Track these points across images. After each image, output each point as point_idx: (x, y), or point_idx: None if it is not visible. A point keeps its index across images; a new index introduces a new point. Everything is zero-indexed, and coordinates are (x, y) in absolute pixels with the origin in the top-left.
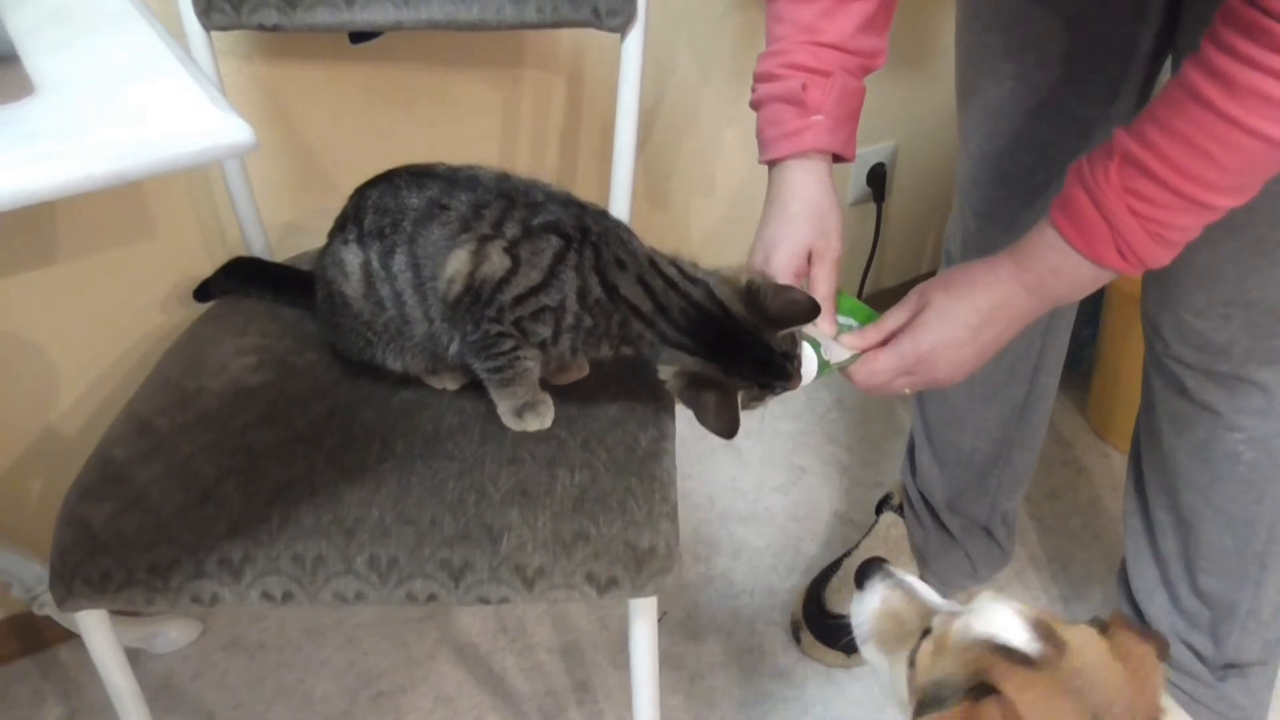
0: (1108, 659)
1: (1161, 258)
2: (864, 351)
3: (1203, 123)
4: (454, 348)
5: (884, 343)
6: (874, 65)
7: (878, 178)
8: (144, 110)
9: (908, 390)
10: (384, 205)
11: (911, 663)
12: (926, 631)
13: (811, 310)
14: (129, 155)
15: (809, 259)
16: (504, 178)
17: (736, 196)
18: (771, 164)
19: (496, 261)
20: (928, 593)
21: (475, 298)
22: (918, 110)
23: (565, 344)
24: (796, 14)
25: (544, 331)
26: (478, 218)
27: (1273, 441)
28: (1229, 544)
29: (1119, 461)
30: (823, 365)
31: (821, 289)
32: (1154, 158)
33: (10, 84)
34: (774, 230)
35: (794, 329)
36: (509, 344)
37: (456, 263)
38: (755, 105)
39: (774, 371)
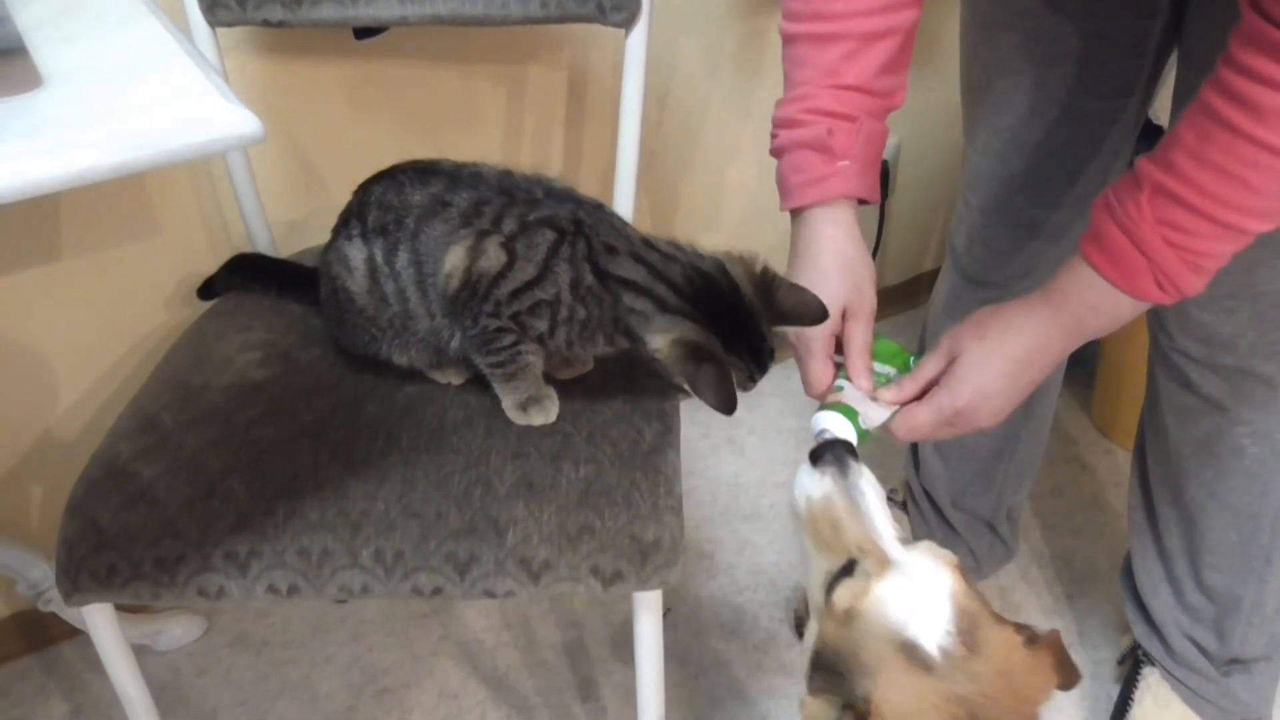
0: (1013, 668)
1: (1198, 285)
2: (902, 405)
3: (1233, 149)
4: (456, 342)
5: (921, 394)
6: (894, 105)
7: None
8: (151, 103)
9: (950, 436)
10: (387, 202)
11: (829, 590)
12: (853, 562)
13: (820, 313)
14: (136, 147)
15: (843, 316)
16: (506, 174)
17: (740, 224)
18: (795, 211)
19: (493, 256)
20: (875, 514)
21: (473, 293)
22: (921, 107)
23: (561, 337)
24: (818, 58)
25: (541, 325)
26: (478, 214)
27: (1277, 435)
28: (1234, 539)
29: (1123, 459)
30: (862, 435)
31: (856, 343)
32: (1186, 187)
33: (18, 76)
34: (806, 285)
35: (832, 399)
36: (509, 339)
37: (454, 258)
38: (777, 152)
39: (760, 365)
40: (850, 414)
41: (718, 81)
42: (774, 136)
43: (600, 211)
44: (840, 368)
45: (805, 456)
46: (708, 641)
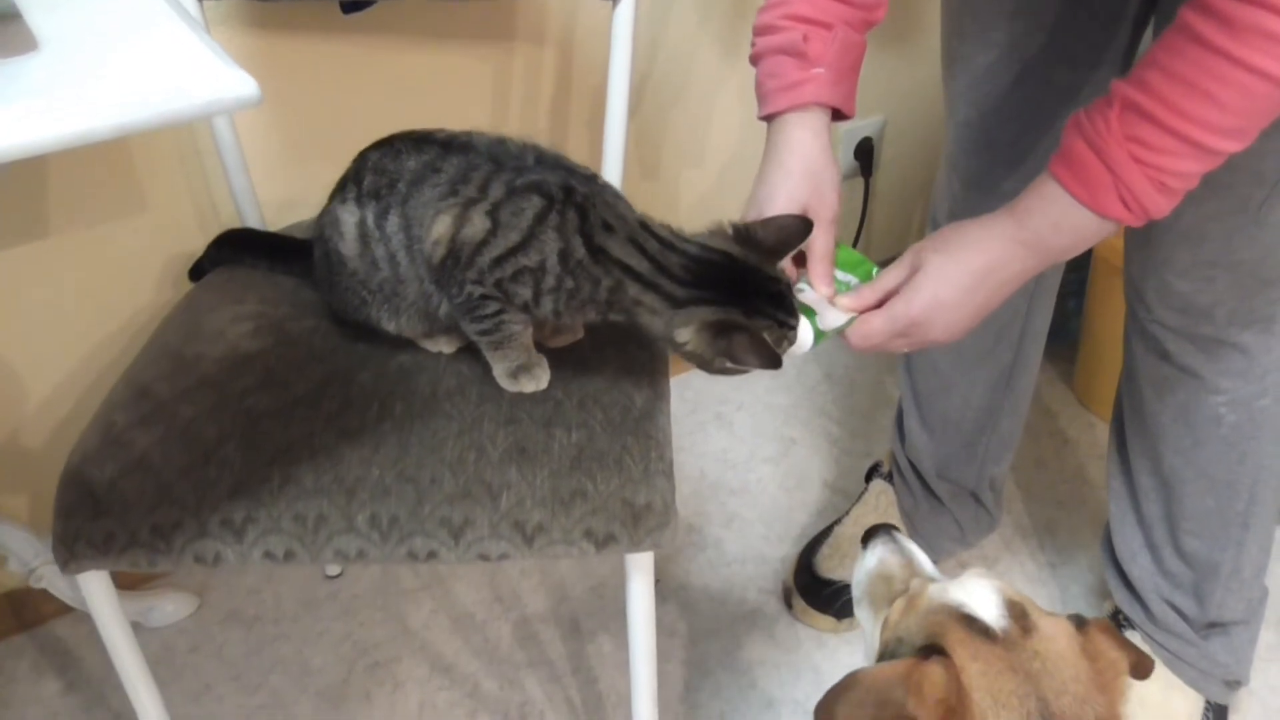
0: (1074, 652)
1: (1163, 206)
2: (860, 313)
3: (1203, 62)
4: (445, 308)
5: (880, 303)
6: (874, 19)
7: (865, 151)
8: (148, 65)
9: (905, 349)
10: (383, 166)
11: (886, 620)
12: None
13: (805, 228)
14: (135, 108)
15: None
16: (499, 142)
17: (727, 163)
18: (770, 118)
19: (478, 224)
20: (925, 560)
21: (456, 260)
22: (906, 84)
23: (547, 306)
24: None
25: (525, 293)
26: (465, 180)
27: (1253, 403)
28: (1211, 505)
29: (1104, 431)
30: (818, 334)
31: (818, 248)
32: (1155, 102)
33: (13, 40)
34: (769, 187)
35: (792, 297)
36: (492, 307)
37: (440, 227)
38: (754, 59)
39: (788, 306)
40: (809, 313)
41: (703, 54)
42: (752, 45)
43: (594, 183)
44: (803, 270)
45: (796, 440)
46: (697, 613)
